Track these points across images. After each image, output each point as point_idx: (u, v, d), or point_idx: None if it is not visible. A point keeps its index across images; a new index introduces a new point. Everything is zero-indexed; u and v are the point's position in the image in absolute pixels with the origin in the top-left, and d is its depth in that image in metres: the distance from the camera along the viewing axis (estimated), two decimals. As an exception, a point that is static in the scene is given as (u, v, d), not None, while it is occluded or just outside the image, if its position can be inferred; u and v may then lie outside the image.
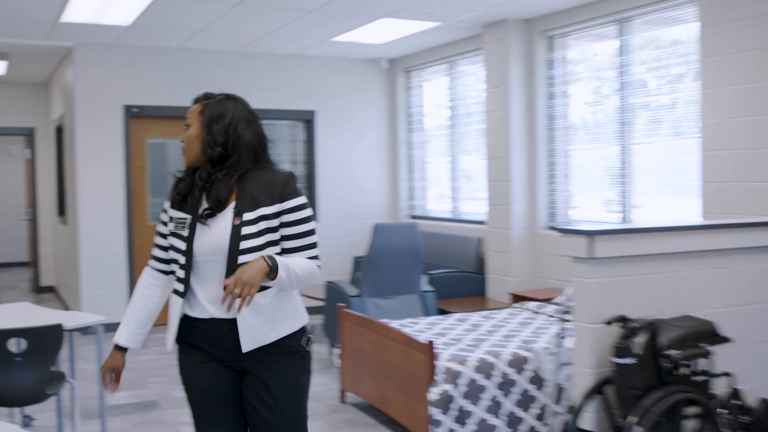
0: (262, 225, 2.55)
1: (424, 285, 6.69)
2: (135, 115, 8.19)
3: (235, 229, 2.54)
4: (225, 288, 2.40)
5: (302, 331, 2.67)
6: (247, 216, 2.55)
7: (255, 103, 8.54)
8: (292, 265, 2.52)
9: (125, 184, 8.14)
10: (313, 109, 9.05)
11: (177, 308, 2.62)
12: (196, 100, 2.68)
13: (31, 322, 4.26)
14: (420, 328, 5.27)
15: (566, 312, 4.92)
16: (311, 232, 2.63)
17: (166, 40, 7.95)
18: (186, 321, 2.65)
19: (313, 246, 2.64)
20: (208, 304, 2.58)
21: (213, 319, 2.58)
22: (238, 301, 2.39)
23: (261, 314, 2.55)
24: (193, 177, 2.64)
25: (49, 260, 11.19)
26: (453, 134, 8.54)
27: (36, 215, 11.16)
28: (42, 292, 11.20)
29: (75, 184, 8.11)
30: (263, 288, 2.54)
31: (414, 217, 9.24)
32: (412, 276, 6.57)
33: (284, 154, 9.05)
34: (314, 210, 9.03)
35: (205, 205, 2.60)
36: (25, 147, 11.34)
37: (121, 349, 2.73)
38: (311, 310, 9.04)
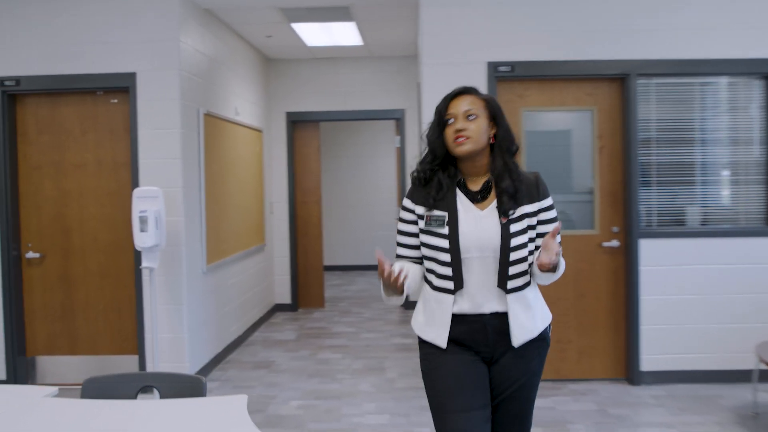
0: (525, 222, 2.60)
1: None
2: (504, 76, 5.69)
3: (504, 227, 2.57)
4: (546, 250, 2.46)
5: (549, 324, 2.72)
6: (512, 213, 2.59)
7: (685, 52, 5.04)
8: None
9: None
10: (779, 56, 5.70)
11: (448, 306, 2.60)
12: (465, 91, 2.71)
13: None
14: None
15: None
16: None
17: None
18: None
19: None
20: (471, 301, 2.58)
21: (477, 315, 2.59)
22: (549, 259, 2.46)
23: (528, 308, 2.61)
24: (437, 172, 2.67)
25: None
26: None
27: (405, 214, 9.31)
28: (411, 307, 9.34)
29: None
30: (528, 284, 2.62)
31: None
32: None
33: (722, 128, 5.85)
34: (778, 216, 5.73)
35: (464, 200, 2.64)
36: (395, 133, 9.60)
37: None
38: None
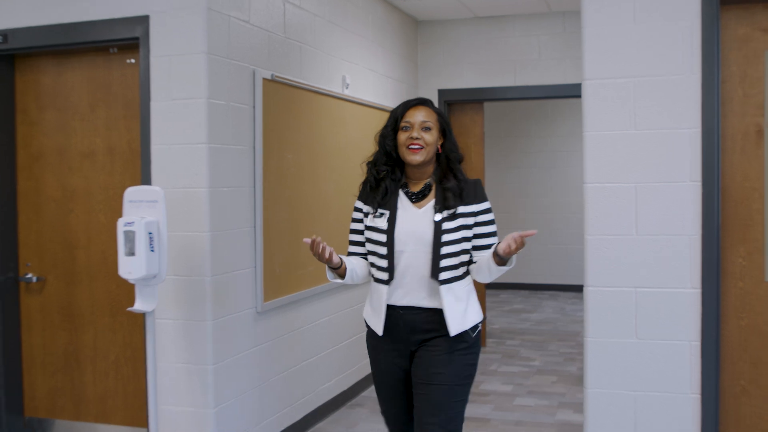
0: (459, 221, 2.83)
1: None
2: (733, -2, 3.20)
3: (437, 225, 2.82)
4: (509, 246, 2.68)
5: (478, 325, 2.91)
6: (447, 213, 2.83)
7: None
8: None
9: (701, 170, 3.22)
10: None
11: (383, 296, 2.85)
12: (421, 102, 2.93)
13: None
14: None
15: None
16: (496, 233, 2.94)
17: None
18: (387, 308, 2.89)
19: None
20: (407, 293, 2.83)
21: (410, 307, 2.84)
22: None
23: (461, 302, 2.84)
24: (387, 176, 2.91)
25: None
26: None
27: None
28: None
29: (586, 169, 3.51)
30: (459, 278, 2.85)
31: None
32: None
33: None
34: None
35: (404, 200, 2.89)
36: (586, 118, 7.13)
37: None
38: None
